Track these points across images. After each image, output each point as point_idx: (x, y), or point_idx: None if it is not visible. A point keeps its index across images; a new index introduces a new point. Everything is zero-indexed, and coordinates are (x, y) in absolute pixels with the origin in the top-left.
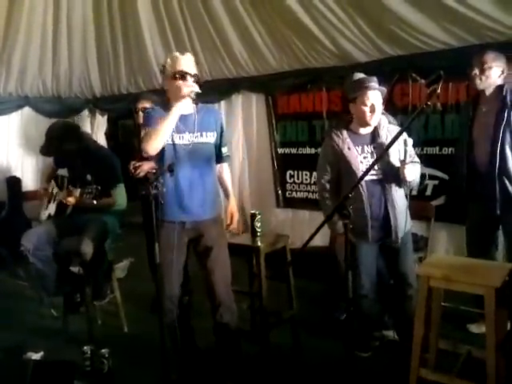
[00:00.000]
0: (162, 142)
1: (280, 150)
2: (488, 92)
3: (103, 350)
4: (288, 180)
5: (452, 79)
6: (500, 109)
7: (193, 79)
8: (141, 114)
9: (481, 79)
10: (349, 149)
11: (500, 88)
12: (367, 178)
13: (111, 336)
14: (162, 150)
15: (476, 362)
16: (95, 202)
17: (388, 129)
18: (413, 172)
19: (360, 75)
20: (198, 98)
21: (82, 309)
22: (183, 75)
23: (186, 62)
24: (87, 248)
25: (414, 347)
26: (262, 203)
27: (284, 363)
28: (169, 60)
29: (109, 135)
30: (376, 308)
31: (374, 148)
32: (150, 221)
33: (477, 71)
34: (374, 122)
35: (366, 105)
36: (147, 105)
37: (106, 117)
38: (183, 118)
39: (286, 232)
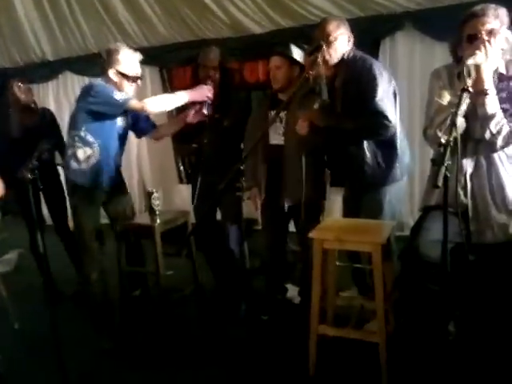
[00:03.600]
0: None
1: None
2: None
3: None
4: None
5: None
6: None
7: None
8: (16, 89)
9: (330, 54)
10: None
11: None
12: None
13: (0, 335)
14: (101, 124)
15: (369, 313)
16: None
17: None
18: None
19: None
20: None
21: None
22: (135, 79)
23: (137, 64)
24: None
25: (313, 306)
26: (163, 180)
27: (189, 338)
28: (123, 56)
29: None
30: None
31: None
32: (28, 208)
33: (323, 42)
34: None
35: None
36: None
37: None
38: None
39: (189, 209)
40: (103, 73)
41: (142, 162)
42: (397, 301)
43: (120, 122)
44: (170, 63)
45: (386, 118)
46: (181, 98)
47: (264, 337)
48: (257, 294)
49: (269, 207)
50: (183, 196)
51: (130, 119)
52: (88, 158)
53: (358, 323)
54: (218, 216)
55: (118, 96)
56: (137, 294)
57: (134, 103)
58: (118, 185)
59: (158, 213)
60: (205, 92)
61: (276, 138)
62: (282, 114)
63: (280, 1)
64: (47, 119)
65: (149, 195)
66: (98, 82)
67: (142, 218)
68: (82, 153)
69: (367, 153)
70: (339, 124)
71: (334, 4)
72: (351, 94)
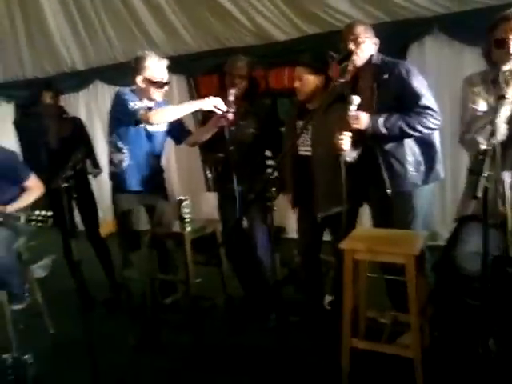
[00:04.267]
0: (168, 120)
1: None
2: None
3: (26, 357)
4: None
5: None
6: (372, 80)
7: (166, 87)
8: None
9: (357, 54)
10: None
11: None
12: None
13: (36, 340)
14: (129, 131)
15: (402, 326)
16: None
17: None
18: None
19: None
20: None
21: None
22: (162, 85)
23: (164, 70)
24: None
25: (345, 318)
26: (191, 188)
27: (219, 346)
28: (150, 63)
29: (19, 124)
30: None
31: None
32: (62, 215)
33: (352, 46)
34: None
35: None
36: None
37: (12, 104)
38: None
39: (217, 217)
40: (132, 80)
41: (171, 170)
42: (432, 314)
43: (151, 127)
44: (196, 72)
45: (435, 111)
46: (185, 108)
47: (295, 346)
48: (286, 302)
49: (301, 218)
50: (211, 204)
51: (163, 127)
52: (120, 162)
53: (390, 337)
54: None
55: (131, 105)
56: (167, 302)
57: (143, 113)
58: (156, 190)
59: (188, 220)
60: (212, 101)
61: (303, 148)
62: (309, 125)
63: (304, 7)
64: (78, 128)
65: (179, 203)
66: (121, 90)
67: (171, 227)
68: (115, 157)
69: (408, 152)
70: (392, 124)
71: (359, 10)
72: (386, 95)
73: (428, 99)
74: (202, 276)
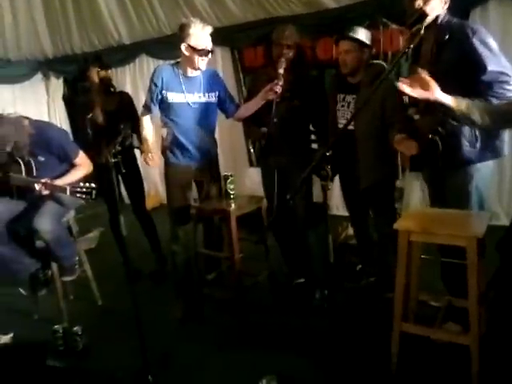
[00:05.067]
0: None
1: None
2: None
3: (75, 328)
4: None
5: None
6: (437, 42)
7: (210, 55)
8: (95, 75)
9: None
10: None
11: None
12: None
13: (85, 311)
14: (171, 105)
15: (457, 311)
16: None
17: None
18: None
19: None
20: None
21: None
22: (206, 53)
23: (208, 38)
24: (44, 225)
25: (396, 303)
26: (234, 163)
27: (264, 324)
28: (194, 30)
29: (68, 99)
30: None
31: None
32: (110, 190)
33: (420, 2)
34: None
35: None
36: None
37: (61, 80)
38: (192, 79)
39: (261, 192)
40: (178, 49)
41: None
42: (492, 298)
43: (194, 97)
44: (241, 43)
45: (509, 76)
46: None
47: (343, 327)
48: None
49: (346, 192)
50: (254, 179)
51: (213, 97)
52: (167, 135)
53: (443, 322)
54: None
55: (151, 88)
56: (211, 278)
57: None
58: (206, 165)
59: (233, 197)
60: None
61: (343, 122)
62: (350, 98)
63: None
64: (125, 103)
65: (225, 179)
66: (158, 67)
67: (218, 202)
68: (164, 131)
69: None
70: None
71: None
72: (447, 60)
73: (498, 63)
74: (246, 252)
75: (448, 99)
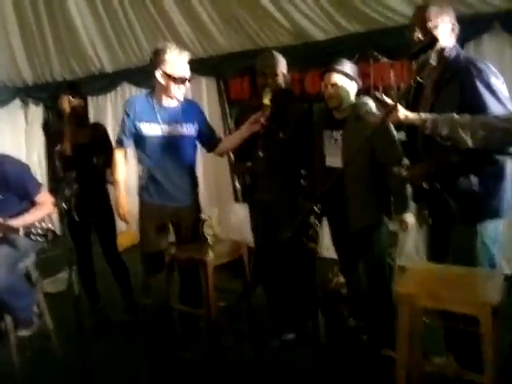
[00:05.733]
0: None
1: None
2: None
3: None
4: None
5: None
6: (438, 80)
7: (188, 83)
8: (66, 104)
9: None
10: None
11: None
12: None
13: (44, 369)
14: (145, 139)
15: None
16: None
17: None
18: None
19: None
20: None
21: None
22: (183, 81)
23: (186, 65)
24: None
25: (398, 373)
26: (218, 198)
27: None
28: (170, 56)
29: (47, 128)
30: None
31: None
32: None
33: (419, 34)
34: None
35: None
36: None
37: (40, 107)
38: (168, 109)
39: (247, 229)
40: (152, 76)
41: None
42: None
43: (171, 129)
44: (227, 73)
45: None
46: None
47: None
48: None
49: (335, 235)
50: (239, 216)
51: (192, 129)
52: (143, 173)
53: None
54: None
55: (124, 120)
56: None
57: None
58: (185, 204)
59: (211, 243)
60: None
61: (331, 160)
62: (337, 134)
63: (348, 3)
64: (99, 135)
65: (201, 222)
66: (130, 99)
67: (194, 249)
68: (140, 169)
69: (473, 177)
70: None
71: (411, 4)
72: (446, 100)
73: (501, 109)
74: (228, 299)
75: (414, 116)
